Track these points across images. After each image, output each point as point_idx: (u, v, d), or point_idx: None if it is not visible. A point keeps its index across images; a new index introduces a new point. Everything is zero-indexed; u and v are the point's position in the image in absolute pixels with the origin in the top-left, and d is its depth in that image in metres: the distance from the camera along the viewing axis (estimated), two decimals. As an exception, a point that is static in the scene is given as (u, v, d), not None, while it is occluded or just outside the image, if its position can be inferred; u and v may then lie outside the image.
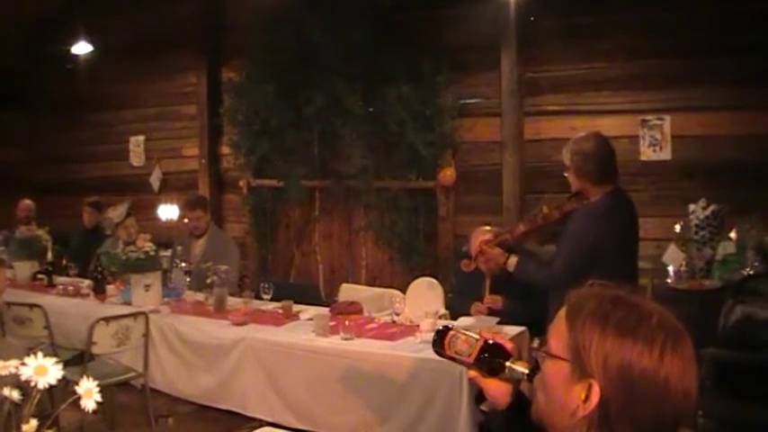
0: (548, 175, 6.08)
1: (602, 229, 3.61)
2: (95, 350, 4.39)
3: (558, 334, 1.30)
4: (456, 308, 4.80)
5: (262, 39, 7.20)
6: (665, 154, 5.90)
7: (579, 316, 1.28)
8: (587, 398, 1.23)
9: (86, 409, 1.58)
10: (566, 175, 3.80)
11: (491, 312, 4.50)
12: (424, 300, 4.96)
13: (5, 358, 1.64)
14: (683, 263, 5.19)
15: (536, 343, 1.33)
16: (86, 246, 6.74)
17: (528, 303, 4.11)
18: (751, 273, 4.86)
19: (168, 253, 6.00)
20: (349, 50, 6.64)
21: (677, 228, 5.35)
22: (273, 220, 7.64)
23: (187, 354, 4.76)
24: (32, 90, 9.05)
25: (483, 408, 1.53)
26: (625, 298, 1.29)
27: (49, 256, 6.31)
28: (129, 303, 5.16)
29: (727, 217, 5.27)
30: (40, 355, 1.57)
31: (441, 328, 1.64)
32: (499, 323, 4.27)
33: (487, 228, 4.68)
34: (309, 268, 7.50)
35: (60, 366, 1.57)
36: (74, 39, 7.50)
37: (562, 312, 1.32)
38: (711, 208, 5.28)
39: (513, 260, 3.88)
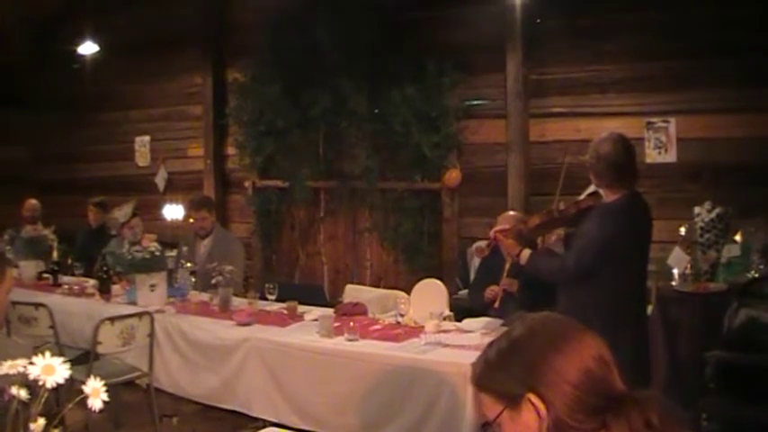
0: (553, 177, 6.05)
1: (616, 229, 3.61)
2: (100, 350, 4.41)
3: (485, 403, 1.39)
4: (472, 300, 4.81)
5: (267, 39, 7.21)
6: (671, 156, 5.89)
7: (477, 376, 1.41)
8: (537, 411, 1.30)
9: (93, 409, 1.59)
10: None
11: (506, 295, 4.50)
12: (428, 301, 4.94)
13: (12, 357, 1.64)
14: (688, 265, 5.17)
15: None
16: (92, 245, 6.75)
17: (543, 293, 4.08)
18: (756, 275, 4.84)
19: (173, 253, 6.01)
20: (354, 51, 6.65)
21: (682, 230, 5.32)
22: (278, 221, 7.65)
23: (192, 354, 4.76)
24: (38, 89, 9.06)
25: None
26: (494, 340, 1.43)
27: (55, 255, 6.30)
28: (134, 303, 5.17)
29: (733, 220, 5.25)
30: (47, 354, 1.58)
31: None
32: (503, 325, 4.26)
33: (512, 213, 4.65)
34: (314, 269, 7.50)
35: (68, 366, 1.57)
36: (79, 38, 7.50)
37: (474, 391, 1.44)
38: (716, 211, 5.26)
39: (525, 253, 3.89)
